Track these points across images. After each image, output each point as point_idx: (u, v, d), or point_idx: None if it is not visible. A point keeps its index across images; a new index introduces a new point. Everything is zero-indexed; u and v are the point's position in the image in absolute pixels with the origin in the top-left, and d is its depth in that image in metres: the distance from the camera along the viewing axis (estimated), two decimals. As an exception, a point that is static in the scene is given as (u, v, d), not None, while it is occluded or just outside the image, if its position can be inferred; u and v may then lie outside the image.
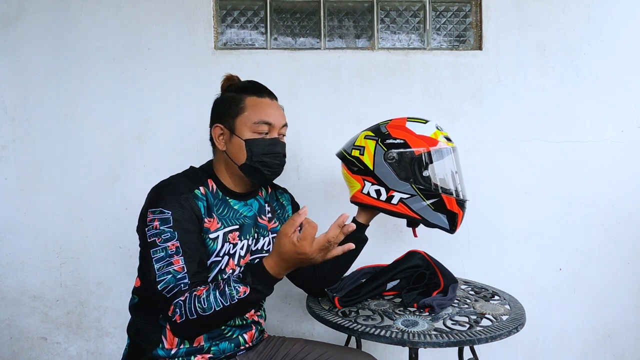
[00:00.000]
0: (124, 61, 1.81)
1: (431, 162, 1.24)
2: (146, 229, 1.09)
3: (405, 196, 1.24)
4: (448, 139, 1.28)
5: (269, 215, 1.32)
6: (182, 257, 1.07)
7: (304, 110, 1.84)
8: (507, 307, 1.30)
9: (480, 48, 1.88)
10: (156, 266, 1.06)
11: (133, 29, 1.81)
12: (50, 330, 1.86)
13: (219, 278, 1.17)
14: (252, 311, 1.26)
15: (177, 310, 1.03)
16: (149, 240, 1.08)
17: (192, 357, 1.16)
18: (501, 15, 1.86)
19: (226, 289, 1.03)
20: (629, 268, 1.92)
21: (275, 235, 1.31)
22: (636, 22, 1.87)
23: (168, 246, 1.07)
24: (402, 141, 1.25)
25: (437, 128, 1.28)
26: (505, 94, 1.86)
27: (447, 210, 1.24)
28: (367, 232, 1.36)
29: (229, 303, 1.02)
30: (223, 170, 1.23)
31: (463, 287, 1.49)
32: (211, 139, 1.25)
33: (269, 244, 1.29)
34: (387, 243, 1.85)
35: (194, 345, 1.16)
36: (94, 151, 1.82)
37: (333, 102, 1.85)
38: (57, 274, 1.84)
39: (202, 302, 1.02)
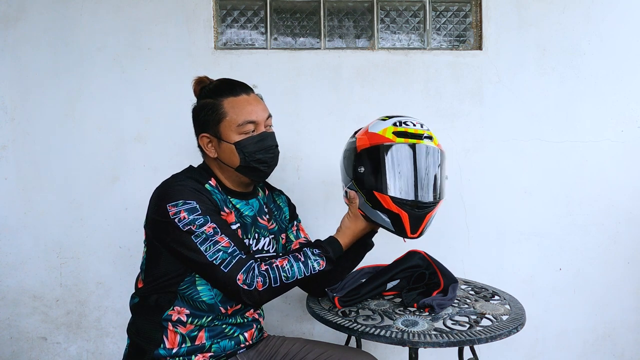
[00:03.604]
0: (124, 61, 1.81)
1: (369, 158, 1.20)
2: (176, 222, 1.09)
3: (354, 191, 1.25)
4: (408, 136, 1.19)
5: (267, 216, 1.32)
6: (223, 235, 1.11)
7: (304, 110, 1.84)
8: (507, 307, 1.30)
9: (480, 48, 1.88)
10: (202, 248, 1.09)
11: (133, 29, 1.81)
12: (50, 330, 1.86)
13: None
14: (252, 310, 1.27)
15: (260, 278, 1.10)
16: (184, 230, 1.09)
17: (193, 357, 1.16)
18: (501, 15, 1.86)
19: (308, 261, 1.15)
20: (629, 268, 1.92)
21: (273, 236, 1.32)
22: (636, 22, 1.87)
23: (205, 229, 1.10)
24: (354, 139, 1.27)
25: (394, 124, 1.22)
26: (505, 94, 1.86)
27: (386, 210, 1.19)
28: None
29: (309, 273, 1.15)
30: (219, 173, 1.24)
31: (463, 287, 1.49)
32: (199, 147, 1.24)
33: (268, 244, 1.29)
34: (387, 243, 1.85)
35: (196, 343, 1.16)
36: (94, 151, 1.82)
37: (333, 102, 1.85)
38: (57, 274, 1.84)
39: (287, 272, 1.13)
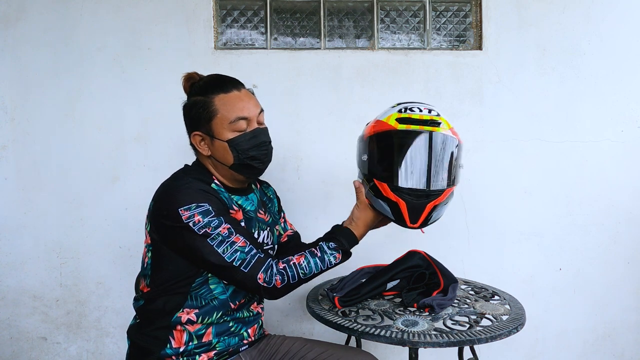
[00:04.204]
0: (124, 61, 1.81)
1: (371, 145, 1.20)
2: (191, 226, 1.08)
3: (360, 180, 1.27)
4: (411, 122, 1.17)
5: (263, 209, 1.34)
6: (238, 234, 1.12)
7: (304, 110, 1.84)
8: (507, 307, 1.30)
9: (480, 48, 1.88)
10: (220, 250, 1.10)
11: (133, 29, 1.81)
12: (50, 330, 1.86)
13: None
14: (255, 303, 1.28)
15: (279, 276, 1.12)
16: (199, 233, 1.09)
17: (197, 357, 1.16)
18: (501, 15, 1.86)
19: (324, 256, 1.17)
20: (629, 268, 1.92)
21: (269, 228, 1.33)
22: (636, 22, 1.87)
23: (220, 231, 1.10)
24: (365, 127, 1.29)
25: (399, 111, 1.20)
26: (505, 94, 1.86)
27: (385, 198, 1.17)
28: (370, 233, 1.32)
29: (326, 267, 1.17)
30: (214, 171, 1.23)
31: (463, 287, 1.49)
32: (192, 145, 1.24)
33: (267, 237, 1.31)
34: (387, 243, 1.85)
35: (203, 341, 1.16)
36: (94, 151, 1.81)
37: (333, 102, 1.85)
38: (57, 274, 1.84)
39: (304, 268, 1.15)
